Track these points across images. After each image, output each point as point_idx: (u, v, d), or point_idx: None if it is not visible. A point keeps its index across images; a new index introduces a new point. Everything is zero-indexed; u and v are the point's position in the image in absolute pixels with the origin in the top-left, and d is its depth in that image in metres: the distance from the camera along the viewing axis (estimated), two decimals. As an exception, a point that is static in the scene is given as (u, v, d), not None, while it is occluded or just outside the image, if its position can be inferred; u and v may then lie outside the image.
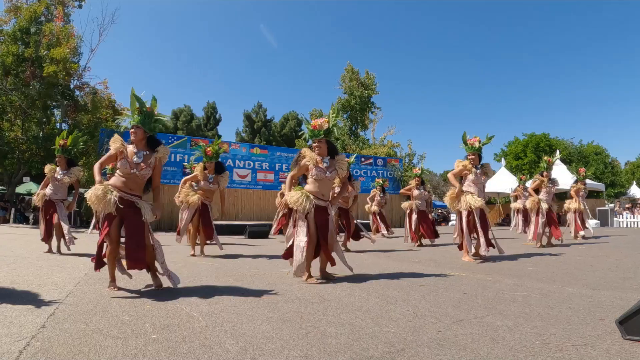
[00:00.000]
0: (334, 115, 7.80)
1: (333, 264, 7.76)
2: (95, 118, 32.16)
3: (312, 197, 7.47)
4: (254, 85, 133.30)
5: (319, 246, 7.63)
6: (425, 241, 16.07)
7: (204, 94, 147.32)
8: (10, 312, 4.82)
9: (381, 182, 22.20)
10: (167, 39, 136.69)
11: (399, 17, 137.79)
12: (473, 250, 10.45)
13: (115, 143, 6.36)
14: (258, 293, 6.26)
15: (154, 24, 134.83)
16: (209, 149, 11.42)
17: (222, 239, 17.49)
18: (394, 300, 5.79)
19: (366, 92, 50.85)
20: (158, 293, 6.20)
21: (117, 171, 6.37)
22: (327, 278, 7.66)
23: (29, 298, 5.63)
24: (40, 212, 11.56)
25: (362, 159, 35.16)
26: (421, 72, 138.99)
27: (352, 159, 12.01)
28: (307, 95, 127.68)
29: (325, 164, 7.57)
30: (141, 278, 7.21)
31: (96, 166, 6.46)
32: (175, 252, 11.56)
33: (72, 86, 32.78)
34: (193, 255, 11.23)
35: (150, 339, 3.89)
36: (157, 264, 6.57)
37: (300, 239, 7.40)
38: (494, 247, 10.58)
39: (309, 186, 7.65)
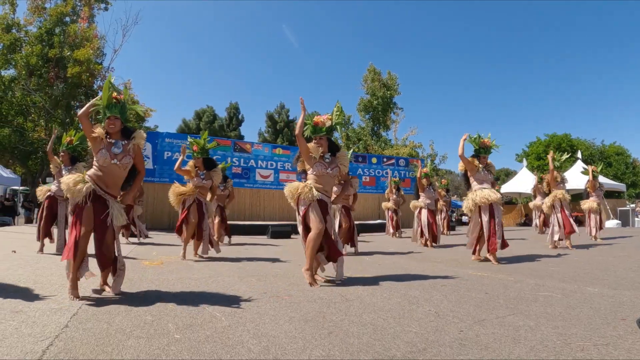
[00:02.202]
0: (337, 113, 7.74)
1: (318, 264, 7.73)
2: (118, 119, 32.25)
3: (315, 188, 7.43)
4: (276, 86, 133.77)
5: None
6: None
7: (226, 95, 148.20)
8: (34, 312, 4.85)
9: (397, 180, 22.08)
10: (189, 40, 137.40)
11: (421, 18, 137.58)
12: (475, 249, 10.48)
13: (99, 129, 6.14)
14: (280, 293, 6.28)
15: (177, 26, 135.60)
16: (195, 145, 11.05)
17: (245, 238, 17.57)
18: (415, 300, 5.78)
19: (388, 92, 50.79)
20: (180, 293, 6.19)
21: (95, 164, 6.13)
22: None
23: (52, 298, 5.66)
24: (42, 208, 11.52)
25: (384, 160, 34.94)
26: (443, 73, 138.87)
27: (348, 154, 11.95)
28: (329, 96, 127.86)
29: (327, 160, 7.56)
30: (163, 278, 7.23)
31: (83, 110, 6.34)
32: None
33: (95, 87, 32.95)
34: (183, 258, 10.62)
35: (173, 339, 3.90)
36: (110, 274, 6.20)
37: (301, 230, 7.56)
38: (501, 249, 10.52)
39: (311, 182, 7.59)
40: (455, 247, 14.42)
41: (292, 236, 20.45)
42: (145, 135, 6.52)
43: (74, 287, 5.78)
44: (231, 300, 5.68)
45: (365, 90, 52.23)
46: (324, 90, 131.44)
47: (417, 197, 15.99)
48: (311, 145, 7.66)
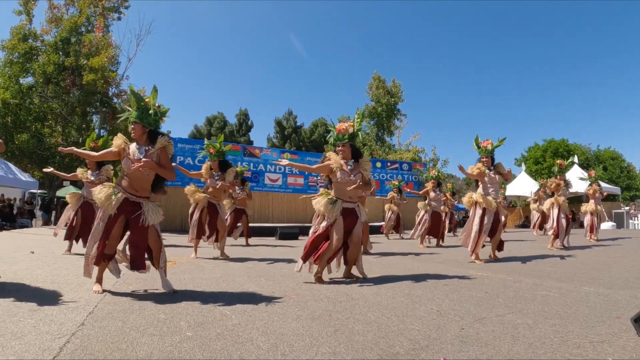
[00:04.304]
0: (359, 120, 7.75)
1: (346, 263, 7.83)
2: (132, 124, 32.33)
3: (339, 201, 7.43)
4: (284, 93, 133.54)
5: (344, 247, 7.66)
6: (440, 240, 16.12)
7: (236, 101, 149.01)
8: (51, 310, 4.87)
9: (397, 183, 21.98)
10: (201, 49, 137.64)
11: (424, 27, 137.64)
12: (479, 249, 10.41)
13: (117, 140, 6.23)
14: (288, 292, 6.28)
15: (189, 35, 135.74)
16: (211, 148, 11.09)
17: (254, 240, 17.49)
18: (418, 299, 5.79)
19: (392, 99, 50.71)
20: (192, 292, 6.20)
21: (123, 172, 6.20)
22: (351, 278, 7.70)
23: (69, 297, 5.67)
24: (76, 213, 11.41)
25: (388, 164, 34.91)
26: (445, 80, 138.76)
27: None
28: (336, 102, 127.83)
29: (349, 167, 7.52)
30: (176, 277, 7.24)
31: (93, 153, 6.54)
32: (208, 253, 11.56)
33: (110, 94, 33.07)
34: (194, 257, 10.82)
35: (185, 336, 3.92)
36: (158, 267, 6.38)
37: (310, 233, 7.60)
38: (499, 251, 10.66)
39: (335, 191, 7.59)
40: (456, 247, 14.40)
41: (299, 237, 20.51)
42: (169, 140, 6.49)
43: (99, 282, 6.12)
44: (241, 299, 5.69)
45: (370, 97, 52.19)
46: (331, 97, 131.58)
47: (425, 200, 16.04)
48: (331, 154, 7.73)
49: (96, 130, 33.50)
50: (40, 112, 30.61)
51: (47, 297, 5.57)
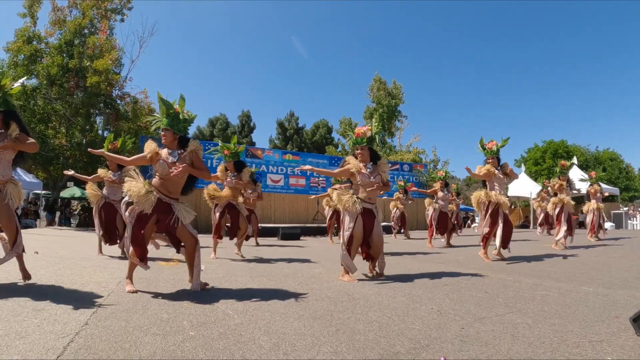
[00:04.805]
0: (376, 124, 7.89)
1: (368, 260, 7.91)
2: (135, 126, 32.35)
3: (359, 198, 7.56)
4: (286, 95, 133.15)
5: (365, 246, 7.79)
6: (441, 241, 16.16)
7: (238, 103, 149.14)
8: (55, 310, 4.87)
9: (403, 184, 21.97)
10: (203, 51, 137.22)
11: (424, 27, 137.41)
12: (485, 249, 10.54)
13: (149, 146, 6.35)
14: (290, 292, 6.30)
15: (191, 37, 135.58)
16: (226, 149, 11.22)
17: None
18: (419, 298, 5.79)
19: (393, 101, 50.65)
20: (195, 292, 6.21)
21: (156, 174, 6.29)
22: (379, 275, 7.83)
23: (73, 297, 5.67)
24: (97, 214, 11.30)
25: (389, 165, 34.91)
26: (445, 81, 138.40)
27: None
28: (337, 104, 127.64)
29: (368, 170, 7.66)
30: (179, 277, 7.25)
31: (125, 158, 6.74)
32: (208, 253, 11.47)
33: (113, 95, 33.05)
34: (213, 257, 10.84)
35: (188, 336, 3.92)
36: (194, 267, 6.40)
37: (346, 236, 7.53)
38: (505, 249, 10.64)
39: (355, 192, 7.71)
40: (457, 247, 14.40)
41: (301, 238, 20.55)
42: (199, 143, 6.61)
43: (130, 283, 6.22)
44: (243, 299, 5.70)
45: (371, 98, 52.14)
46: (332, 98, 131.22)
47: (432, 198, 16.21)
48: (351, 158, 7.89)
49: (100, 132, 33.55)
50: (45, 114, 30.57)
51: (51, 297, 5.56)
